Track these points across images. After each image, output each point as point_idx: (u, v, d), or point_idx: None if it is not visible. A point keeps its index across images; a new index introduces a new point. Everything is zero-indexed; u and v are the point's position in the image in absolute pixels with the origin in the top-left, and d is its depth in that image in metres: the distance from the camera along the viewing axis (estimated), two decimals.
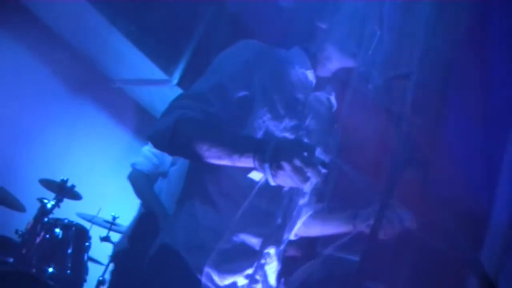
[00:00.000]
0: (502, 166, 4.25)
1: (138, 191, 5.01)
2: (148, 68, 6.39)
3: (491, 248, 4.08)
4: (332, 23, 2.70)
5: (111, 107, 7.39)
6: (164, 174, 5.27)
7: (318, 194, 2.82)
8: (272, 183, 2.14)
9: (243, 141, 2.23)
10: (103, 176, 6.95)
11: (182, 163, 4.89)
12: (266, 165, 2.10)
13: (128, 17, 5.74)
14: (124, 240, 4.92)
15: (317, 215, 2.87)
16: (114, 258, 4.95)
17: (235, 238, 2.39)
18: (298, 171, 2.04)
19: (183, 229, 2.42)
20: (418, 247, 4.14)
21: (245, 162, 2.15)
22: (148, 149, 5.09)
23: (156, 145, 2.35)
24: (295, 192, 2.55)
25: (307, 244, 3.79)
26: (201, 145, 2.19)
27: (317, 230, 2.89)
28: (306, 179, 2.08)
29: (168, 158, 5.30)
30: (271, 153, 2.10)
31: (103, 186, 6.78)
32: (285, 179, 2.10)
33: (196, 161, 2.30)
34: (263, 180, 2.32)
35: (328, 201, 3.67)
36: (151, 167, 5.04)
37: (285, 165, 2.06)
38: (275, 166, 2.05)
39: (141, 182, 5.03)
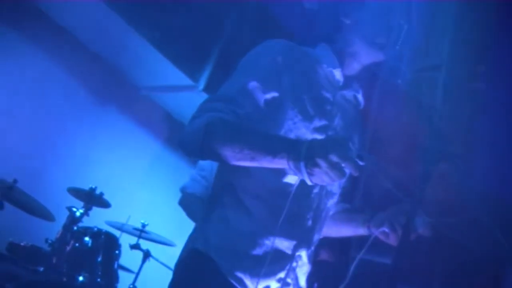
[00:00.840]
0: None
1: (192, 215, 4.93)
2: (173, 75, 6.37)
3: None
4: (357, 18, 2.65)
5: (138, 115, 7.39)
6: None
7: (343, 194, 2.78)
8: (309, 182, 2.10)
9: (276, 141, 2.18)
10: (132, 184, 6.92)
11: None
12: (302, 164, 2.06)
13: (152, 23, 5.73)
14: None
15: (336, 216, 2.83)
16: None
17: (267, 242, 2.37)
18: (334, 166, 1.99)
19: (215, 233, 2.41)
20: (450, 247, 4.03)
21: (279, 163, 2.10)
22: (196, 172, 5.07)
23: (187, 150, 2.30)
24: (324, 193, 2.52)
25: (340, 249, 3.72)
26: (233, 147, 2.15)
27: (334, 230, 2.84)
28: (343, 174, 2.03)
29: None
30: (305, 151, 2.05)
31: (132, 194, 6.76)
32: (322, 177, 2.05)
33: (228, 163, 2.26)
34: (298, 181, 2.28)
35: (355, 201, 3.58)
36: (201, 190, 5.03)
37: (321, 162, 2.01)
38: (311, 164, 2.01)
39: (194, 205, 4.94)
